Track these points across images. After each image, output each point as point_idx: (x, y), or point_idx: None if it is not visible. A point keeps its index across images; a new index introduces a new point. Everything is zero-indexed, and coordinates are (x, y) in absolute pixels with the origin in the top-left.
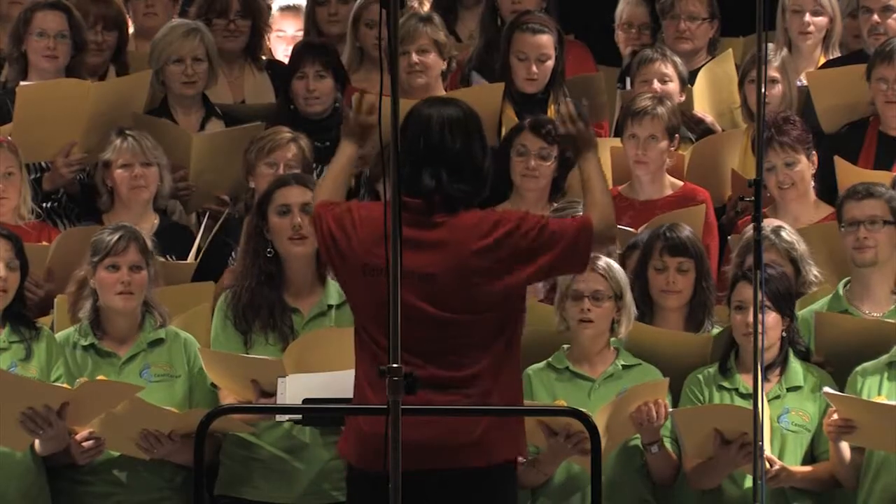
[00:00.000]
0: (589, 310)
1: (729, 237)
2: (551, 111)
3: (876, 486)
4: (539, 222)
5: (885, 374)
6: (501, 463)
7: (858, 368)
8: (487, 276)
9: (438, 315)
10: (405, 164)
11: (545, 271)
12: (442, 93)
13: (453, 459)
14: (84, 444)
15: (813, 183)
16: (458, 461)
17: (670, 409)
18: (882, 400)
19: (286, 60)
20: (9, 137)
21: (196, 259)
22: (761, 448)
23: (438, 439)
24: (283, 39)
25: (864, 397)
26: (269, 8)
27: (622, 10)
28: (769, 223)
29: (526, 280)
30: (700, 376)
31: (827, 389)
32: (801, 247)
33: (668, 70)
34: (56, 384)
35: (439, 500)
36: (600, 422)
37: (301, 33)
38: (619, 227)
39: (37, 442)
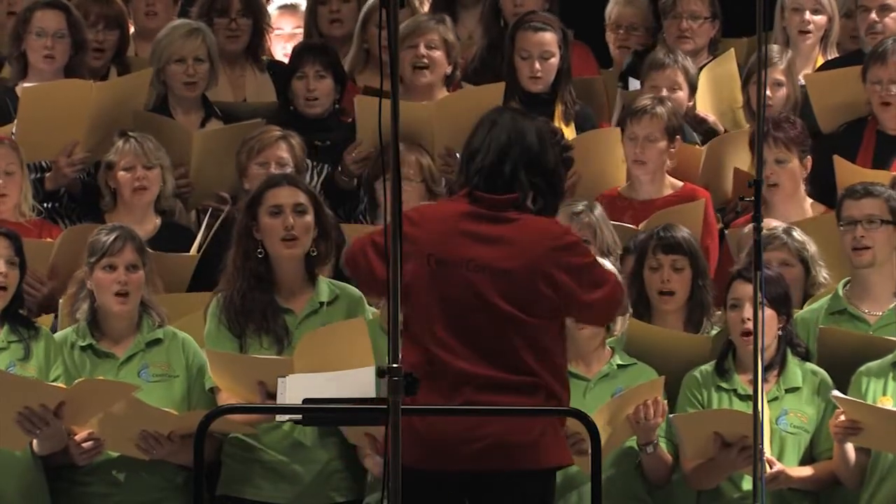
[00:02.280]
0: None
1: (726, 231)
2: (558, 112)
3: (882, 488)
4: (591, 255)
5: (890, 375)
6: (553, 467)
7: (863, 368)
8: (552, 281)
9: (507, 311)
10: (478, 158)
11: (585, 307)
12: (444, 94)
13: (505, 461)
14: (83, 444)
15: (804, 185)
16: (511, 463)
17: (669, 414)
18: (888, 401)
19: (284, 59)
20: (12, 135)
21: (197, 253)
22: (761, 450)
23: (491, 440)
24: (280, 38)
25: (869, 398)
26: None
27: (611, 10)
28: (770, 223)
29: (573, 304)
30: (698, 376)
31: (835, 393)
32: (811, 247)
33: (679, 78)
34: (53, 384)
35: (489, 501)
36: (598, 423)
37: (299, 31)
38: (619, 224)
39: (35, 442)
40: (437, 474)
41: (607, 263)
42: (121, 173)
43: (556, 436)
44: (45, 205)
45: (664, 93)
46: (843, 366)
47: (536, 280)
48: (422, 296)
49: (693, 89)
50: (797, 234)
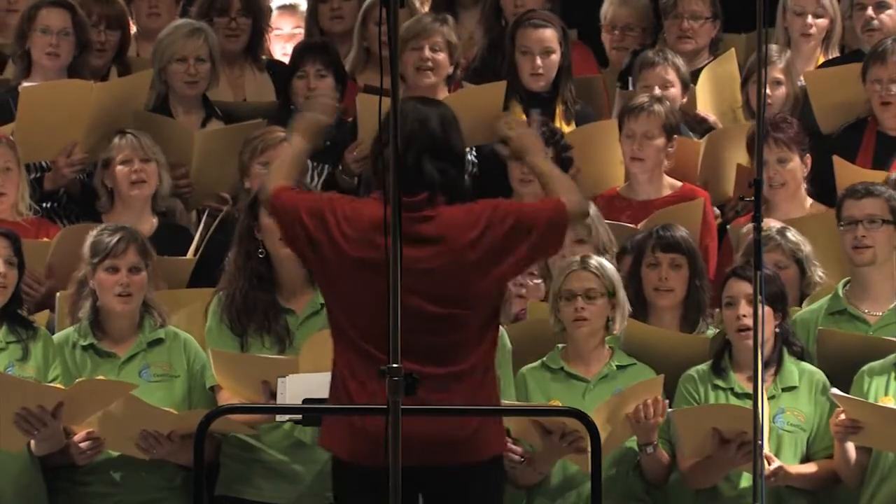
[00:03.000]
0: (583, 308)
1: (728, 226)
2: (559, 111)
3: (882, 487)
4: (512, 208)
5: (892, 374)
6: (493, 457)
7: (865, 368)
8: (480, 268)
9: (435, 311)
10: (383, 156)
11: (528, 257)
12: (446, 94)
13: (449, 455)
14: (82, 444)
15: (805, 185)
16: (454, 457)
17: (669, 410)
18: (889, 401)
19: (283, 58)
20: (10, 136)
21: (195, 256)
22: (761, 446)
23: (435, 435)
24: (280, 38)
25: (871, 397)
26: (270, 9)
27: (606, 10)
28: (768, 223)
29: (512, 269)
30: (694, 374)
31: (834, 391)
32: (806, 248)
33: (671, 76)
34: (50, 384)
35: (434, 495)
36: (597, 422)
37: (298, 31)
38: (617, 223)
39: (32, 442)
40: (373, 469)
41: (561, 179)
42: (118, 167)
43: (494, 426)
44: (43, 204)
45: (657, 91)
46: (842, 367)
47: (465, 272)
48: (352, 300)
49: (686, 86)
50: (791, 234)
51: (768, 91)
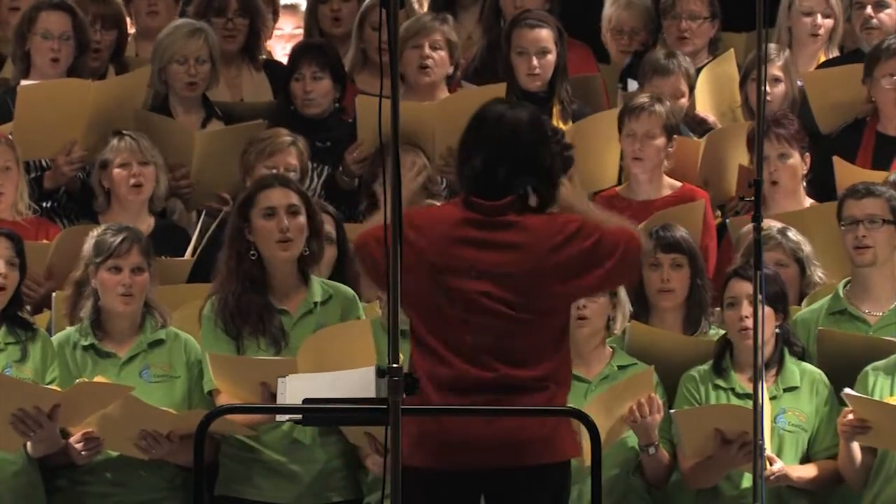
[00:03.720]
0: (584, 306)
1: (728, 220)
2: (555, 111)
3: (886, 488)
4: (595, 230)
5: None
6: (567, 460)
7: (869, 367)
8: (559, 276)
9: (514, 315)
10: (472, 161)
11: (601, 282)
12: (446, 94)
13: (521, 456)
14: (77, 445)
15: (804, 183)
16: (526, 458)
17: (671, 410)
18: (894, 400)
19: (284, 58)
20: (9, 135)
21: (192, 256)
22: (762, 446)
23: (506, 436)
24: (281, 38)
25: (875, 396)
26: (278, 11)
27: (610, 13)
28: (768, 223)
29: (585, 287)
30: (696, 375)
31: (847, 391)
32: (807, 247)
33: (683, 86)
34: (47, 386)
35: (506, 497)
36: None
37: (300, 31)
38: None
39: (29, 444)
40: (451, 474)
41: (617, 219)
42: (116, 170)
43: (570, 429)
44: (42, 204)
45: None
46: (842, 368)
47: (542, 279)
48: (428, 305)
49: (692, 88)
50: (792, 234)
51: (767, 89)
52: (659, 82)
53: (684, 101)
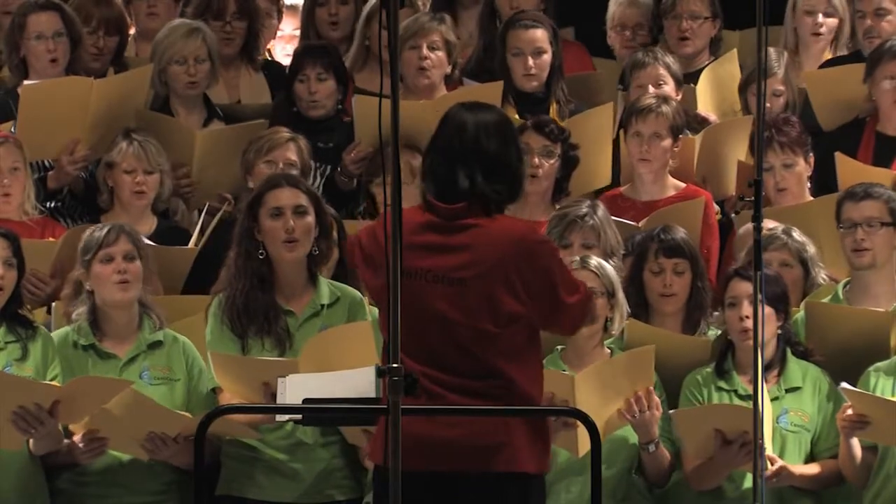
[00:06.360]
0: None
1: (733, 215)
2: (553, 111)
3: (887, 486)
4: (554, 261)
5: None
6: (527, 473)
7: (871, 367)
8: (513, 289)
9: (469, 324)
10: (438, 167)
11: (557, 310)
12: (444, 94)
13: (481, 462)
14: (81, 444)
15: (808, 184)
16: (487, 464)
17: (671, 411)
18: None
19: (284, 59)
20: (12, 131)
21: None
22: (761, 446)
23: (467, 439)
24: (281, 38)
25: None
26: (282, 11)
27: (614, 11)
28: (766, 223)
29: (540, 312)
30: (699, 377)
31: (844, 385)
32: (811, 248)
33: (662, 72)
34: (48, 382)
35: (465, 502)
36: (582, 387)
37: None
38: (622, 221)
39: (31, 441)
40: (409, 474)
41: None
42: (121, 176)
43: (531, 441)
44: (47, 203)
45: (651, 90)
46: (835, 345)
47: (495, 287)
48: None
49: (679, 83)
50: (797, 234)
51: (767, 104)
52: (639, 75)
53: (668, 87)
